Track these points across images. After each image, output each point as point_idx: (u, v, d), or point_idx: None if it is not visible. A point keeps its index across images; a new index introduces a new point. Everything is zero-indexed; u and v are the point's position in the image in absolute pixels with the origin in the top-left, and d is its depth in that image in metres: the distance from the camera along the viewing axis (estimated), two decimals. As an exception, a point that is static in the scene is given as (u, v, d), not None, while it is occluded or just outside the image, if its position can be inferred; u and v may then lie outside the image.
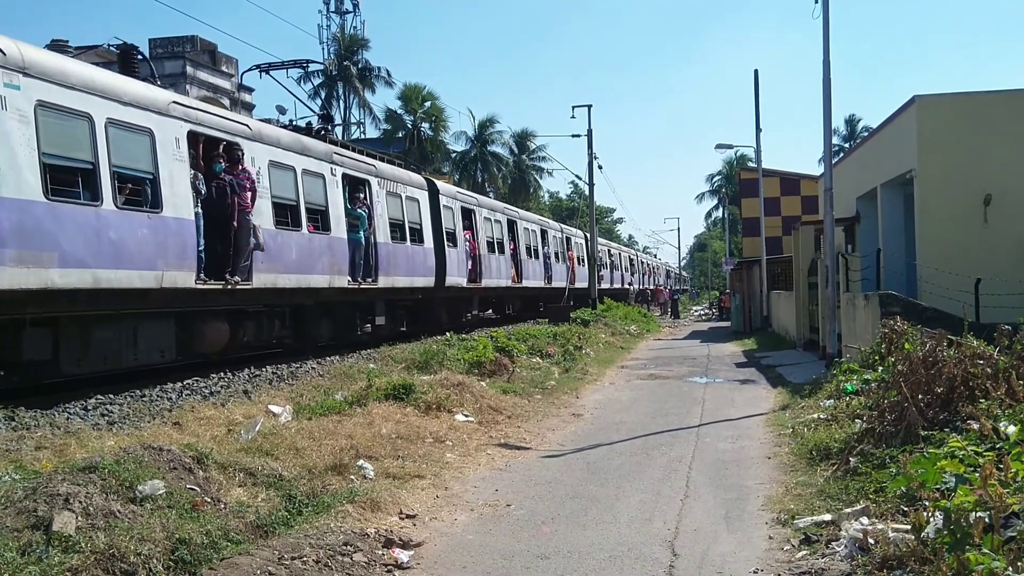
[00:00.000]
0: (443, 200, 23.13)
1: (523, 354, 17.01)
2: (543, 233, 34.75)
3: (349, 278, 17.05)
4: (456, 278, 23.18)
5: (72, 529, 5.13)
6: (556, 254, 36.10)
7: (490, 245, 27.02)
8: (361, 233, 17.78)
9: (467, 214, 25.31)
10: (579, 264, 40.23)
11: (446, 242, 22.63)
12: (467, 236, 24.85)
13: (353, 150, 19.29)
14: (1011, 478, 4.41)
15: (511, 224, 30.08)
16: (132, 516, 5.52)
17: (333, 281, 16.48)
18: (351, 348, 17.58)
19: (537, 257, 33.04)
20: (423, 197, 21.85)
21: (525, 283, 30.91)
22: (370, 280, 18.21)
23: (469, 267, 24.63)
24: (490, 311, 31.66)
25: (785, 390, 14.31)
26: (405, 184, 20.98)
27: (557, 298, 35.27)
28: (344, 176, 17.36)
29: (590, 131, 36.29)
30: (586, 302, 35.86)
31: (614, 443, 10.20)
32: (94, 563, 4.91)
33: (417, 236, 21.10)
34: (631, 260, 63.99)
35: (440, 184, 24.22)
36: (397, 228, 19.88)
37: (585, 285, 38.63)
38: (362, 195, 18.21)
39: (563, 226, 41.50)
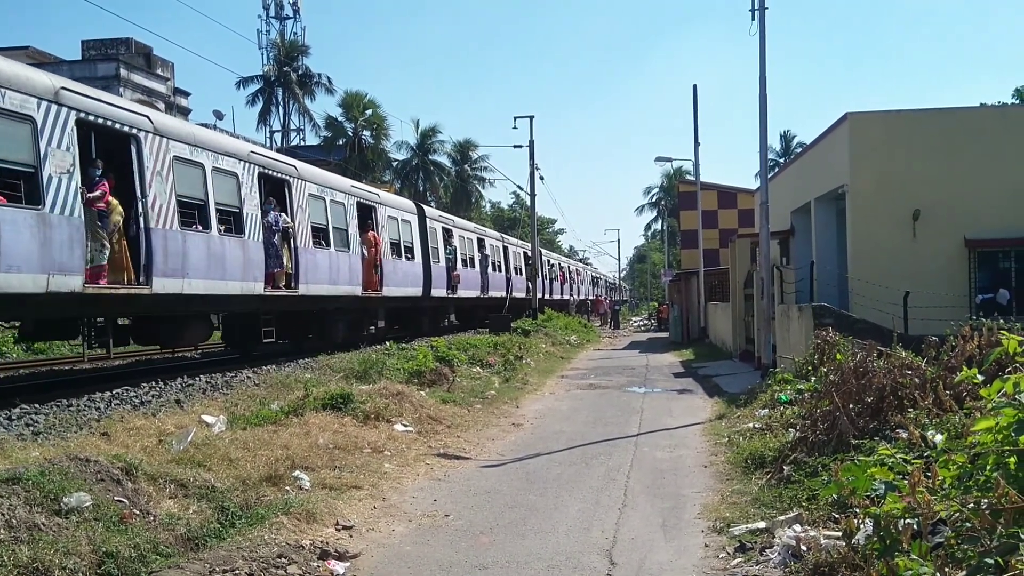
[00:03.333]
0: (429, 222, 27.61)
1: (464, 364, 16.96)
2: (504, 248, 38.96)
3: (360, 288, 20.94)
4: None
5: (-8, 543, 4.94)
6: (498, 264, 36.58)
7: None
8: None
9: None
10: (518, 274, 40.36)
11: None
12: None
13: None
14: (938, 485, 4.51)
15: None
16: (57, 529, 5.34)
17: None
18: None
19: (498, 270, 36.51)
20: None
21: (491, 294, 34.83)
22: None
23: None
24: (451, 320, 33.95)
25: (721, 400, 14.50)
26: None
27: (500, 308, 35.33)
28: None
29: (531, 142, 36.42)
30: (527, 312, 35.89)
31: (553, 452, 10.21)
32: (16, 578, 4.74)
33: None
34: (572, 271, 64.36)
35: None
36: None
37: (525, 295, 38.71)
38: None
39: (504, 236, 41.59)
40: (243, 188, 15.91)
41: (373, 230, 22.33)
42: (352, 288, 20.37)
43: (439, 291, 27.50)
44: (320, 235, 19.04)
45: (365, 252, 21.47)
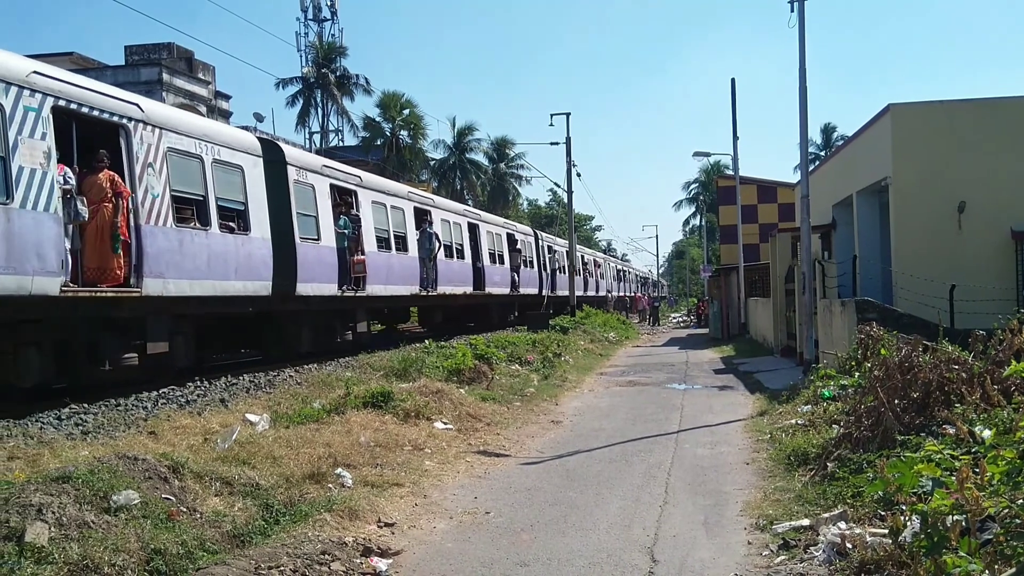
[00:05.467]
0: (482, 228, 29.23)
1: (502, 361, 16.97)
2: (536, 243, 38.17)
3: (419, 287, 22.63)
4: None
5: (45, 540, 5.05)
6: (540, 262, 36.58)
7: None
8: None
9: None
10: (560, 272, 40.25)
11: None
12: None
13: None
14: (987, 481, 4.43)
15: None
16: (106, 526, 5.45)
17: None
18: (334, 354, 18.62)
19: (531, 267, 35.95)
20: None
21: (523, 291, 34.50)
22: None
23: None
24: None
25: (763, 396, 14.37)
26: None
27: (539, 305, 35.35)
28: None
29: (568, 139, 36.35)
30: (565, 309, 35.83)
31: (593, 450, 10.20)
32: (67, 574, 4.84)
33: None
34: (610, 268, 64.17)
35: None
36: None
37: (565, 292, 38.62)
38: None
39: (541, 234, 41.51)
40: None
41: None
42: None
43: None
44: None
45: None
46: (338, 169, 19.47)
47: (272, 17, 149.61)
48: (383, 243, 20.80)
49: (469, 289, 27.45)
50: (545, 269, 38.55)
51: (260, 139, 16.50)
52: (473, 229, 29.00)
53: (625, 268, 78.29)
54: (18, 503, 5.35)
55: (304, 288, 16.69)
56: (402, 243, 22.08)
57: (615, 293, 61.49)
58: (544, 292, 37.22)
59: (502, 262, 31.67)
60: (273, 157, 16.34)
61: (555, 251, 40.44)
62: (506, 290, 32.09)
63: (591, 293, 49.38)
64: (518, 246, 33.79)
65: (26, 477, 6.31)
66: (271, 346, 17.49)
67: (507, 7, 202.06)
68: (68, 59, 34.41)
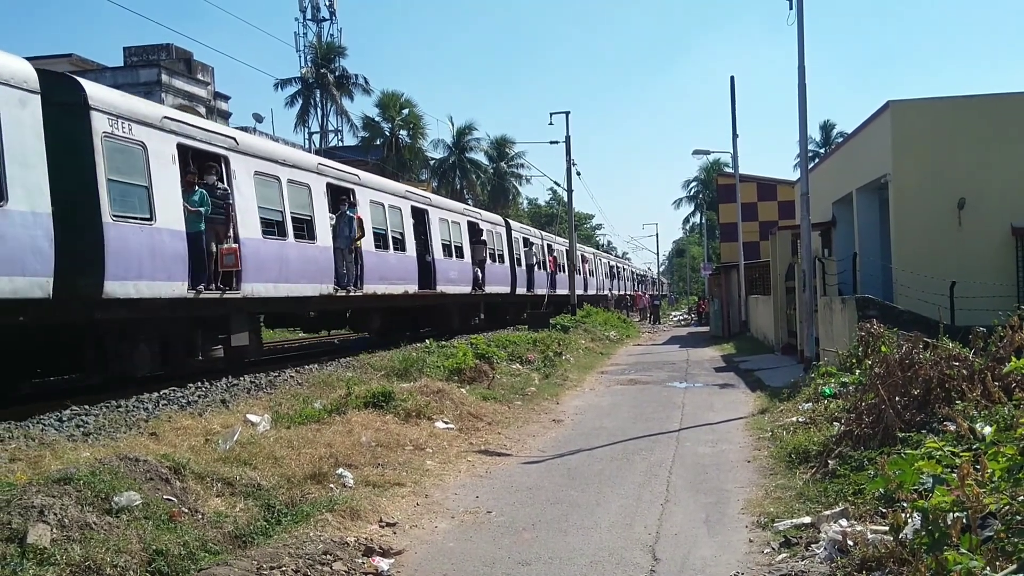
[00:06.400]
0: (432, 214, 25.14)
1: (503, 360, 16.98)
2: (548, 245, 38.98)
3: (333, 285, 17.71)
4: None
5: (47, 541, 5.06)
6: (541, 262, 36.47)
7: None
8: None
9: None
10: (559, 271, 40.07)
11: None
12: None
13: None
14: (988, 478, 4.43)
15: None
16: (108, 528, 5.46)
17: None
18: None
19: (541, 267, 36.08)
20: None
21: (520, 291, 33.50)
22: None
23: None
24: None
25: (764, 394, 14.37)
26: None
27: (538, 305, 35.25)
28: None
29: (568, 137, 36.33)
30: (565, 308, 35.80)
31: (595, 448, 10.20)
32: (70, 575, 4.84)
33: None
34: (610, 266, 64.12)
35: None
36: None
37: (565, 291, 38.53)
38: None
39: (543, 233, 41.44)
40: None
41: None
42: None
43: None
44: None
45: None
46: (194, 125, 14.18)
47: (271, 17, 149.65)
48: (273, 228, 15.75)
49: (413, 288, 22.13)
50: (547, 268, 37.98)
51: (43, 71, 11.32)
52: (420, 215, 23.60)
53: (625, 266, 78.04)
54: (20, 505, 5.36)
55: (119, 288, 11.75)
56: (306, 228, 16.93)
57: (615, 292, 61.42)
58: (546, 291, 36.97)
59: (461, 256, 26.29)
60: (65, 98, 11.49)
61: (532, 243, 36.33)
62: (467, 288, 26.59)
63: (592, 292, 49.21)
64: (483, 237, 28.56)
65: (28, 479, 6.32)
66: (82, 369, 13.41)
67: (507, 7, 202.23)
68: (67, 61, 34.45)
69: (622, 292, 65.51)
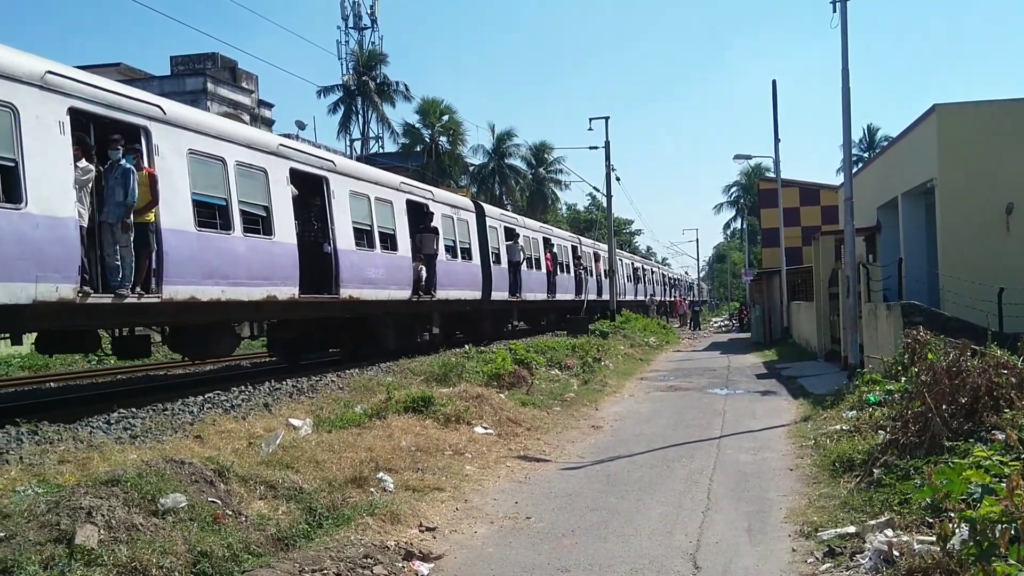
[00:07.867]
0: (555, 240, 31.25)
1: (542, 366, 16.97)
2: (588, 250, 39.28)
3: (508, 293, 24.97)
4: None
5: (94, 542, 5.15)
6: (567, 265, 36.01)
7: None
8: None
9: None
10: (603, 277, 39.86)
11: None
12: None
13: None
14: (1038, 489, 4.34)
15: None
16: (154, 529, 5.54)
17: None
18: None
19: (569, 271, 35.56)
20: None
21: (559, 296, 33.72)
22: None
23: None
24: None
25: (806, 401, 14.20)
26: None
27: (577, 310, 35.10)
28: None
29: (607, 143, 36.29)
30: (604, 314, 35.64)
31: (634, 455, 10.15)
32: (116, 576, 4.93)
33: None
34: (650, 272, 63.78)
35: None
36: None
37: (605, 297, 38.33)
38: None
39: (581, 239, 41.32)
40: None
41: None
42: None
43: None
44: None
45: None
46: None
47: (313, 26, 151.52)
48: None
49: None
50: (589, 274, 37.85)
51: None
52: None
53: (665, 272, 77.17)
54: (68, 506, 5.46)
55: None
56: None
57: (655, 297, 60.97)
58: (584, 297, 36.84)
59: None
60: None
61: (599, 256, 38.30)
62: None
63: (631, 297, 48.92)
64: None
65: (76, 480, 6.45)
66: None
67: (546, 13, 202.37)
68: (116, 70, 35.13)
69: (648, 296, 64.58)
